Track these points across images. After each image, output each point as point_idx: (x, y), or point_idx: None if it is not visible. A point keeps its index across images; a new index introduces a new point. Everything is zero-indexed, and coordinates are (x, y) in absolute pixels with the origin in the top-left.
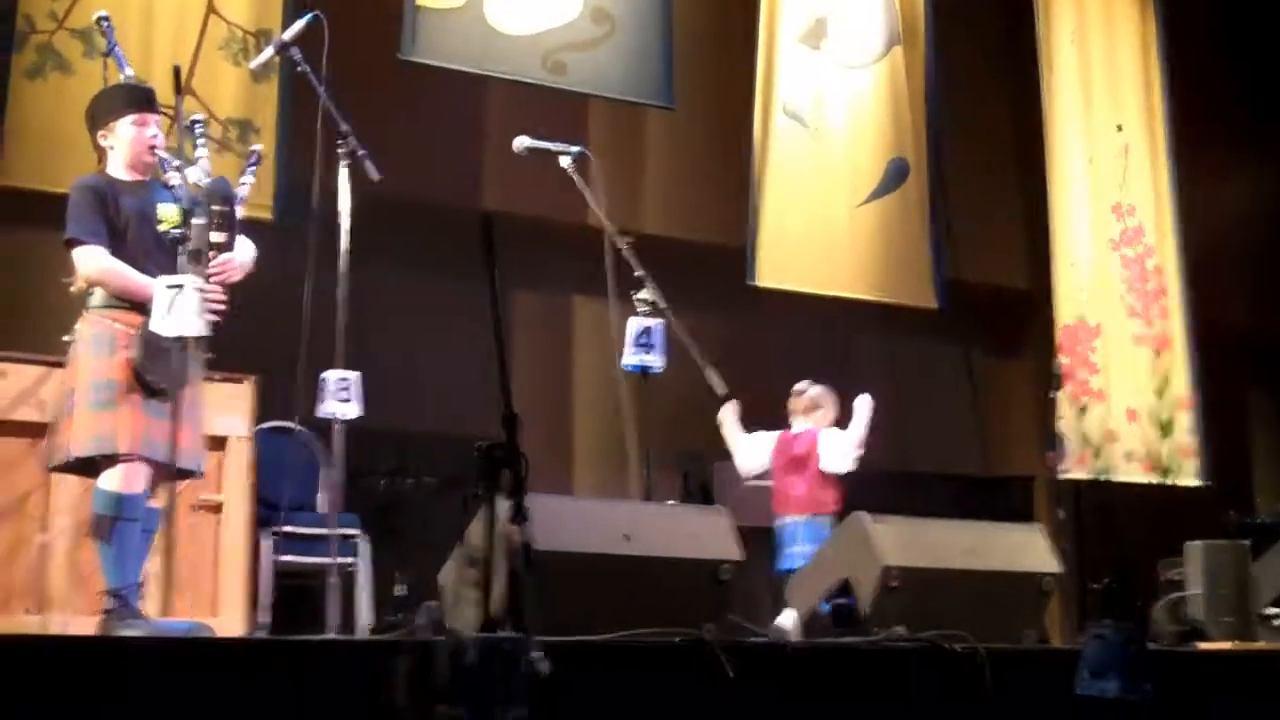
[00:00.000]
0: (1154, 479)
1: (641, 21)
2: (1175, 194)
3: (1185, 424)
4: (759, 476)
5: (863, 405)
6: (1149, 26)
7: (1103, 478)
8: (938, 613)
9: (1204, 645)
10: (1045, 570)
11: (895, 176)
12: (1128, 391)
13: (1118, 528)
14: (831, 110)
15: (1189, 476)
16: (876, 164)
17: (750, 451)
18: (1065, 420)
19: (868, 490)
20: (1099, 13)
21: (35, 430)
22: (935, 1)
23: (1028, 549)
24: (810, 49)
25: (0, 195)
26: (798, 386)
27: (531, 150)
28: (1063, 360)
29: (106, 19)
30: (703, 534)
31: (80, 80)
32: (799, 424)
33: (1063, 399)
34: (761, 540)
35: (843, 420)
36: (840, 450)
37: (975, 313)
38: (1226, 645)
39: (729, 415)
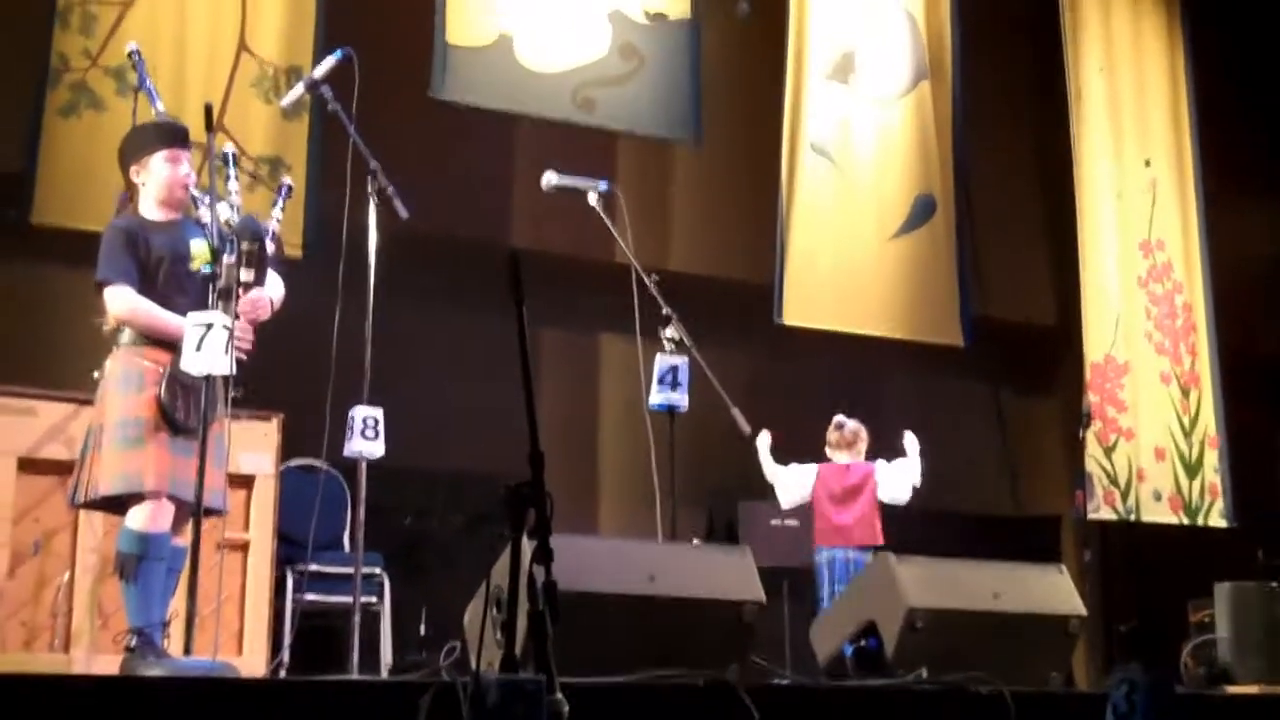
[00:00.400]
0: (1182, 519)
1: (670, 58)
2: (1204, 230)
3: (1213, 462)
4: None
5: (914, 440)
6: (1178, 59)
7: (1131, 518)
8: (963, 655)
9: (1232, 688)
10: (1071, 612)
11: (922, 212)
12: (1156, 429)
13: (1145, 569)
14: (859, 146)
15: (1217, 516)
16: (903, 199)
17: (793, 485)
18: (1094, 459)
19: (893, 529)
20: (1127, 46)
21: (64, 468)
22: (962, 36)
23: (1054, 590)
24: (838, 84)
25: (33, 233)
26: (838, 420)
27: (559, 187)
28: (1092, 398)
29: (138, 53)
30: (727, 574)
31: (113, 118)
32: (840, 457)
33: (1091, 437)
34: (786, 580)
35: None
36: (904, 481)
37: (1004, 350)
38: (1254, 689)
39: (764, 445)
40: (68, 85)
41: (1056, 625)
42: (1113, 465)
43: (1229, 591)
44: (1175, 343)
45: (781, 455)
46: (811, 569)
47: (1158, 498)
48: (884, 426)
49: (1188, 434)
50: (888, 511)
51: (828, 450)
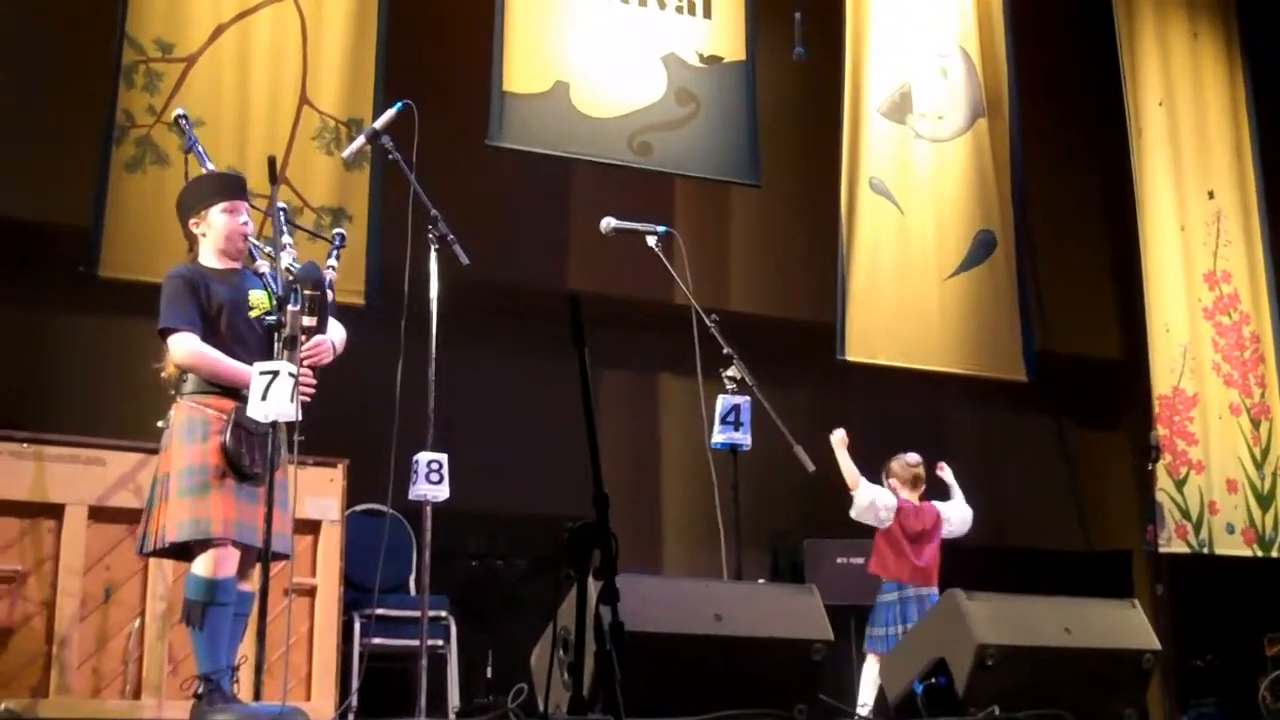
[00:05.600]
0: (1256, 551)
1: (726, 100)
2: (1270, 260)
3: None
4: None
5: (948, 471)
6: (1238, 90)
7: (1204, 551)
8: (1035, 692)
9: None
10: (1145, 647)
11: (983, 248)
12: (1227, 462)
13: (1220, 602)
14: (918, 183)
15: None
16: (964, 235)
17: (881, 504)
18: (1165, 492)
19: (961, 566)
20: (1187, 77)
21: (133, 516)
22: (1019, 72)
23: (1126, 626)
24: (895, 123)
25: (101, 286)
26: (914, 457)
27: (618, 231)
28: (1160, 431)
29: (184, 117)
30: (794, 613)
31: (177, 172)
32: (905, 493)
33: (1161, 470)
34: (853, 618)
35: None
36: (965, 514)
37: (1069, 384)
38: None
39: (840, 444)
40: (133, 141)
41: (1130, 661)
42: (1184, 498)
43: None
44: (1244, 374)
45: (844, 494)
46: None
47: (1231, 530)
48: (949, 462)
49: (1259, 465)
50: (955, 547)
51: (893, 482)
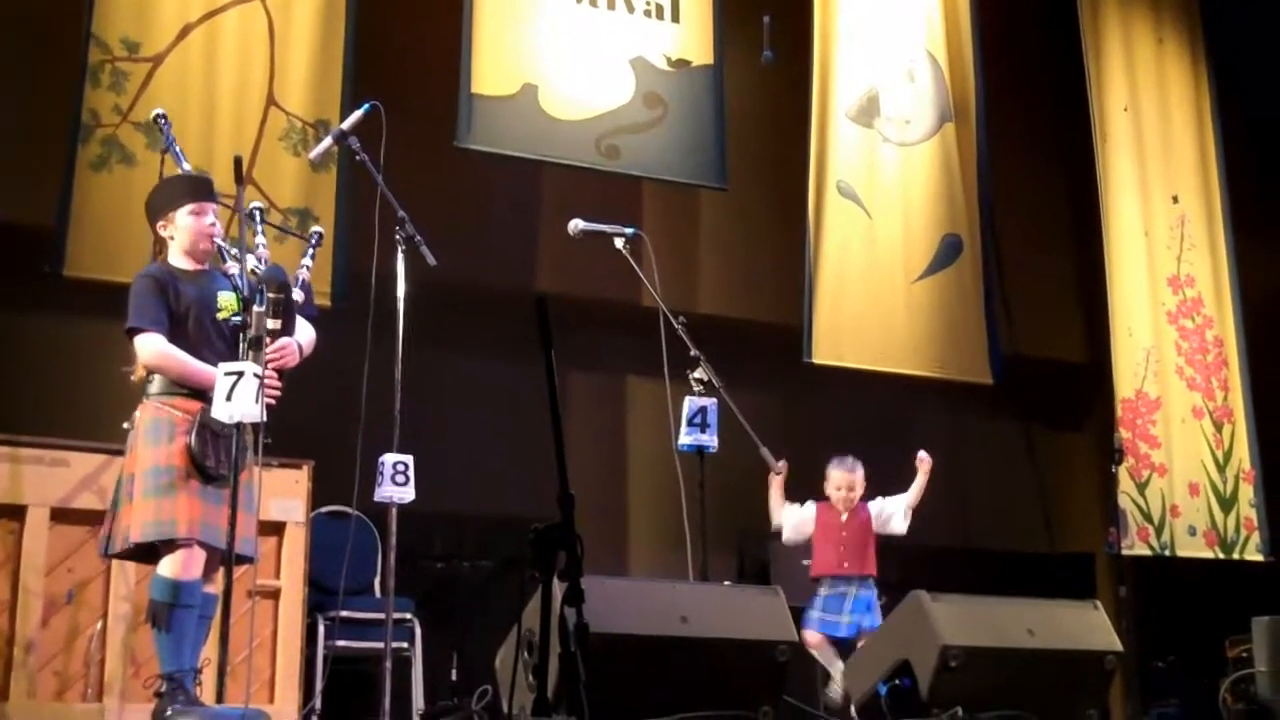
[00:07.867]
0: (1217, 553)
1: (694, 104)
2: (1233, 264)
3: (1248, 496)
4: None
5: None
6: (1202, 95)
7: (1165, 553)
8: (998, 693)
9: None
10: (1107, 649)
11: (949, 252)
12: (1189, 465)
13: (1181, 604)
14: (885, 187)
15: (1253, 550)
16: (930, 240)
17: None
18: (1127, 495)
19: (926, 567)
20: (1152, 83)
21: (96, 518)
22: (986, 77)
23: (1089, 627)
24: (863, 126)
25: (66, 285)
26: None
27: (586, 232)
28: (1124, 434)
29: (164, 117)
30: (759, 615)
31: (144, 172)
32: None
33: (1124, 473)
34: None
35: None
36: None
37: (1034, 387)
38: None
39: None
40: (99, 140)
41: (1093, 662)
42: (1146, 501)
43: (1267, 625)
44: (1207, 377)
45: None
46: None
47: (1192, 533)
48: (914, 465)
49: (1221, 468)
50: (921, 547)
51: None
